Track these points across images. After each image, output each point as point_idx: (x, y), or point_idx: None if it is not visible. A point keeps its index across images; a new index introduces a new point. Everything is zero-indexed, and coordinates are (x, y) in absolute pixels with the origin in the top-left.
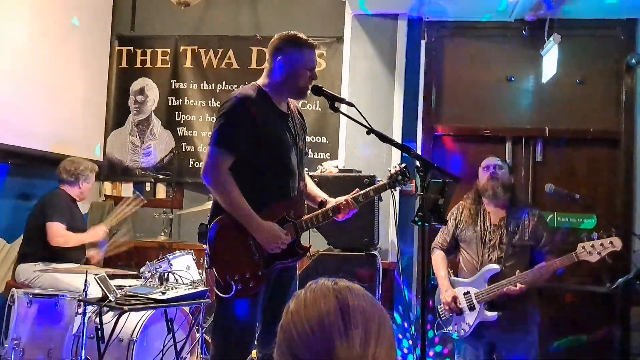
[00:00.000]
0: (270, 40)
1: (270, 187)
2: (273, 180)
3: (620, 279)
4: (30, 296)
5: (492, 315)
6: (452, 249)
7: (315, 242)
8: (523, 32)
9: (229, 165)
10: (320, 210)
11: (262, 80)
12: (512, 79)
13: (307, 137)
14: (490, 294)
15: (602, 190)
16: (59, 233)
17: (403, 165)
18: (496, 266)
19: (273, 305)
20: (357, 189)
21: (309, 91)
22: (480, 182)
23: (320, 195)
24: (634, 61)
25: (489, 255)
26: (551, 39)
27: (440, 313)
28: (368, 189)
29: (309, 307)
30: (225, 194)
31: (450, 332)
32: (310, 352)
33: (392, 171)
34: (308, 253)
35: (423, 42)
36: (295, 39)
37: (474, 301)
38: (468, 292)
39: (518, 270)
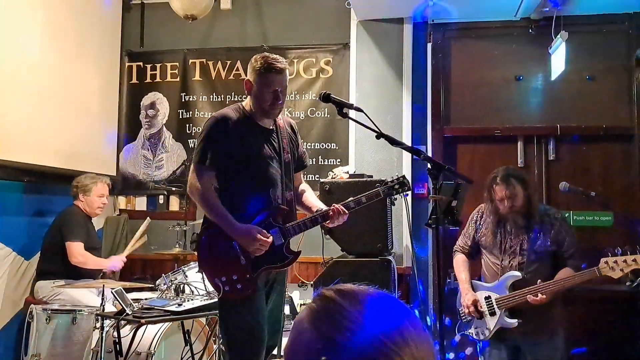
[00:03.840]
0: (278, 49)
1: (251, 196)
2: (253, 189)
3: None
4: (49, 312)
5: (512, 322)
6: (474, 252)
7: (329, 248)
8: (529, 30)
9: (210, 179)
10: (308, 217)
11: (246, 100)
12: (521, 78)
13: (313, 144)
14: (511, 301)
15: (617, 186)
16: (78, 253)
17: (402, 175)
18: (518, 273)
19: (270, 311)
20: (350, 197)
21: (275, 112)
22: (496, 205)
23: (317, 205)
24: None
25: (509, 261)
26: (559, 36)
27: (462, 315)
28: (360, 195)
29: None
30: (207, 205)
31: (471, 335)
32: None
33: (389, 180)
34: (322, 260)
35: (429, 45)
36: (260, 60)
37: (495, 306)
38: (489, 297)
39: (540, 280)
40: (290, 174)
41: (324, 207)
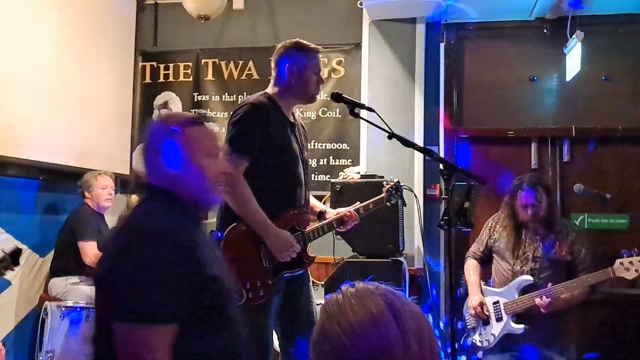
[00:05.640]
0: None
1: (281, 195)
2: (284, 189)
3: None
4: (63, 309)
5: (518, 327)
6: (486, 258)
7: (339, 249)
8: (544, 30)
9: (243, 170)
10: (326, 221)
11: (270, 89)
12: (535, 78)
13: (324, 144)
14: (519, 304)
15: (633, 189)
16: (92, 252)
17: (396, 180)
18: (530, 277)
19: (286, 315)
20: (358, 202)
21: (317, 96)
22: (518, 212)
23: (319, 205)
24: None
25: (521, 267)
26: (574, 36)
27: (467, 321)
28: (368, 201)
29: (357, 310)
30: (240, 199)
31: (475, 341)
32: (369, 354)
33: (387, 186)
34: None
35: (442, 45)
36: (298, 44)
37: (502, 311)
38: (497, 302)
39: (550, 284)
40: (308, 173)
41: (325, 208)
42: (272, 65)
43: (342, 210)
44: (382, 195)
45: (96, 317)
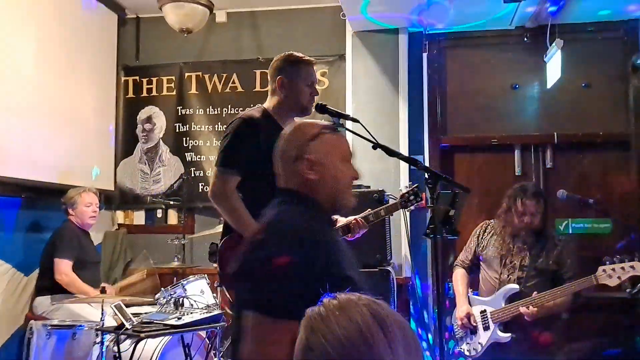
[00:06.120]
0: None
1: None
2: None
3: None
4: (49, 328)
5: (505, 336)
6: (474, 267)
7: None
8: (524, 39)
9: (235, 184)
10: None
11: (267, 103)
12: (517, 86)
13: None
14: (505, 313)
15: (615, 193)
16: (64, 271)
17: (415, 185)
18: (516, 286)
19: None
20: (369, 209)
21: (312, 108)
22: (514, 218)
23: None
24: (639, 62)
25: (508, 275)
26: (554, 44)
27: (455, 331)
28: (379, 208)
29: (341, 321)
30: (231, 212)
31: (463, 351)
32: None
33: (404, 191)
34: None
35: (425, 55)
36: (290, 57)
37: (489, 320)
38: (484, 311)
39: (536, 292)
40: None
41: (337, 217)
42: (269, 78)
43: (350, 219)
44: (396, 201)
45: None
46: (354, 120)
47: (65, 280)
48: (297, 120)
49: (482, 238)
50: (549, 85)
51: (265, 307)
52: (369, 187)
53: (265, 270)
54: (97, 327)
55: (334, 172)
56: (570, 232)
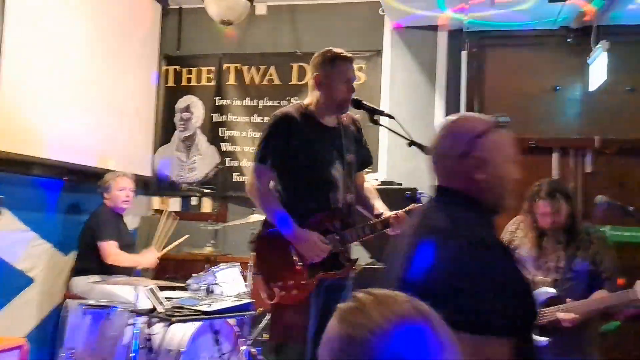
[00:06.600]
0: (310, 55)
1: (310, 199)
2: (313, 192)
3: None
4: (84, 307)
5: (542, 340)
6: None
7: (357, 255)
8: (568, 40)
9: (268, 180)
10: (368, 223)
11: (307, 99)
12: (558, 88)
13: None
14: (541, 318)
15: None
16: (112, 252)
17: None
18: (552, 290)
19: (323, 316)
20: (412, 203)
21: (349, 104)
22: (537, 219)
23: (378, 207)
24: None
25: (544, 277)
26: (598, 46)
27: None
28: (417, 205)
29: (387, 315)
30: (266, 206)
31: None
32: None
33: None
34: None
35: (464, 53)
36: (328, 54)
37: None
38: None
39: (570, 299)
40: (352, 175)
41: (385, 209)
42: (309, 74)
43: (391, 213)
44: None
45: None
46: (390, 116)
47: (116, 259)
48: (459, 114)
49: (514, 235)
50: (592, 88)
51: (474, 325)
52: (400, 184)
53: (468, 285)
54: (131, 309)
55: (502, 173)
56: (609, 240)
